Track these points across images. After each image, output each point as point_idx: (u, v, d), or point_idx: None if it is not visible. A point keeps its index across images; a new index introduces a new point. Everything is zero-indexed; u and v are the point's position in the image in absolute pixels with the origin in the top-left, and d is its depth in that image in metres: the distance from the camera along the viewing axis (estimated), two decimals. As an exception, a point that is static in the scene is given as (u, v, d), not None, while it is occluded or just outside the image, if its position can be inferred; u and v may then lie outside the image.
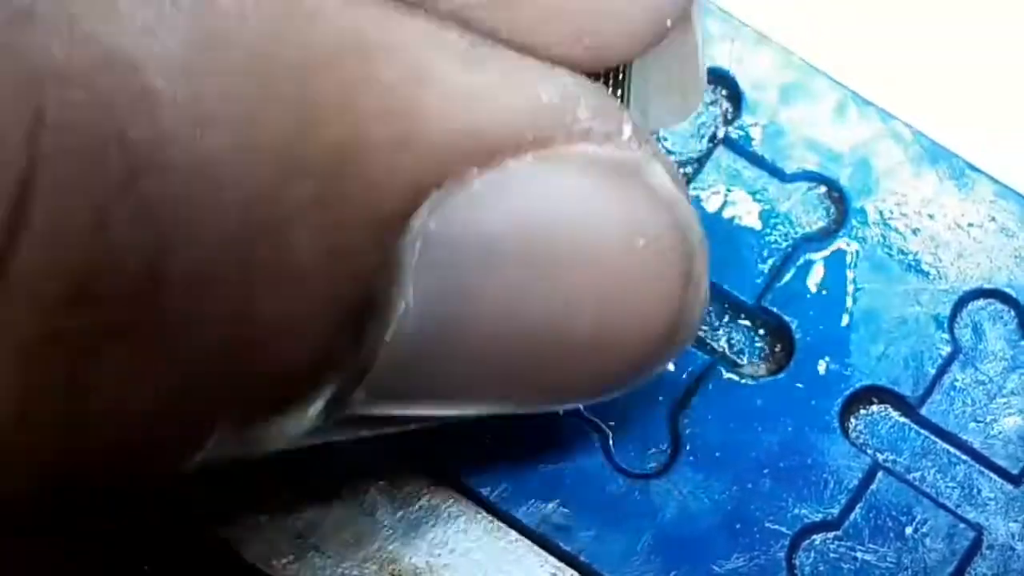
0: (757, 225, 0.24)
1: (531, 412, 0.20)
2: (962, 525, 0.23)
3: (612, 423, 0.23)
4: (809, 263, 0.24)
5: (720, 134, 0.24)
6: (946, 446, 0.23)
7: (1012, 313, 0.24)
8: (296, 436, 0.18)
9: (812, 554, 0.22)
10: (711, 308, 0.24)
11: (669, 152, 0.24)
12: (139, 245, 0.15)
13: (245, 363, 0.16)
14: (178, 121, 0.15)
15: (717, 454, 0.23)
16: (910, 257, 0.24)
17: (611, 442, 0.23)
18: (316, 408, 0.17)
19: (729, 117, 0.25)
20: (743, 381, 0.23)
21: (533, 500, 0.23)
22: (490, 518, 0.23)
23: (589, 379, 0.19)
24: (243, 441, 0.17)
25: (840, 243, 0.24)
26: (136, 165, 0.14)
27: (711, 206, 0.24)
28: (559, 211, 0.17)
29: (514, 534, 0.23)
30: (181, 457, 0.17)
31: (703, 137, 0.24)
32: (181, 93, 0.15)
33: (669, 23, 0.19)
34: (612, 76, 0.20)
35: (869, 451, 0.23)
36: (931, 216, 0.24)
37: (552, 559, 0.22)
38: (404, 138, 0.16)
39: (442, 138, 0.16)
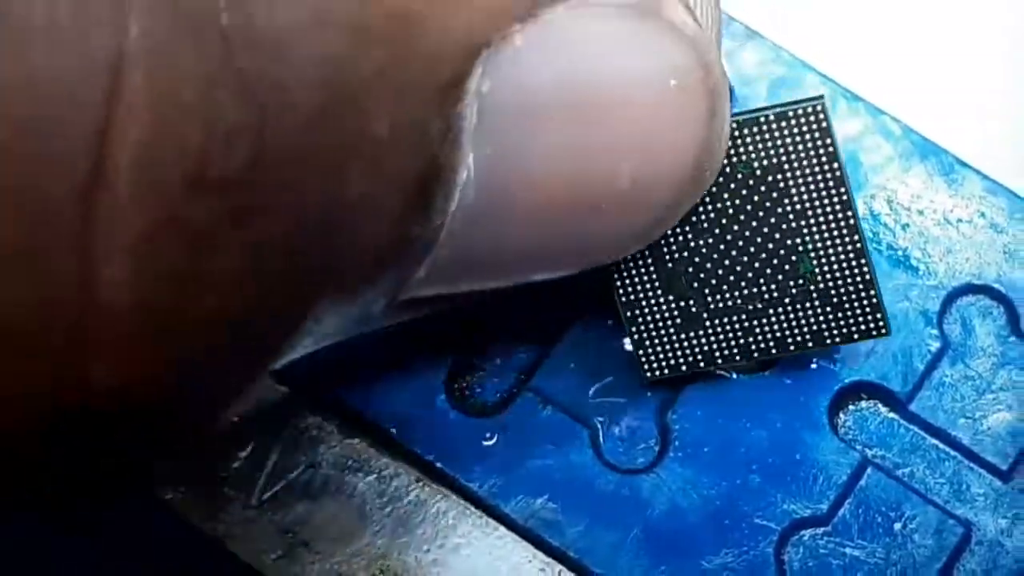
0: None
1: (575, 271, 0.20)
2: (951, 521, 0.23)
3: (601, 419, 0.23)
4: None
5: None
6: (935, 442, 0.23)
7: (1001, 309, 0.24)
8: (355, 323, 0.18)
9: (801, 550, 0.22)
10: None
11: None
12: (245, 123, 0.15)
13: (335, 244, 0.16)
14: None
15: (706, 450, 0.23)
16: (899, 252, 0.24)
17: (600, 438, 0.23)
18: (385, 289, 0.17)
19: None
20: (732, 377, 0.23)
21: (522, 495, 0.23)
22: (479, 514, 0.23)
23: (630, 226, 0.19)
24: (317, 331, 0.17)
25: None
26: (230, 41, 0.14)
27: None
28: (594, 57, 0.18)
29: (503, 529, 0.23)
30: (277, 351, 0.17)
31: (692, 132, 0.24)
32: None
33: None
34: None
35: (858, 447, 0.23)
36: (920, 212, 0.24)
37: (541, 554, 0.22)
38: None
39: None
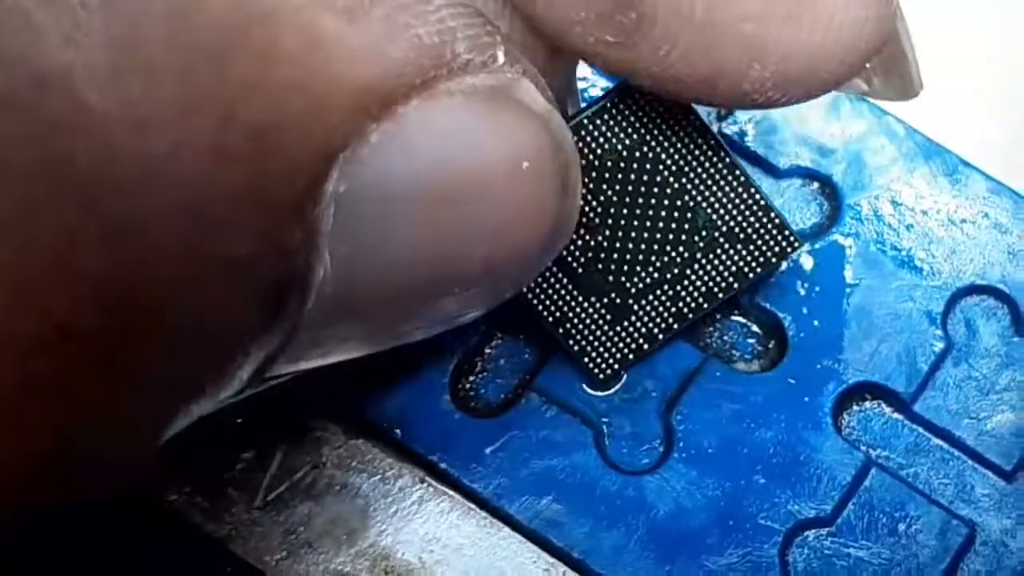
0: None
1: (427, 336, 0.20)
2: (955, 521, 0.23)
3: (605, 420, 0.23)
4: (802, 259, 0.24)
5: (713, 130, 0.24)
6: (939, 442, 0.23)
7: (1005, 309, 0.24)
8: (224, 402, 0.18)
9: (805, 550, 0.22)
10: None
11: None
12: (109, 270, 0.14)
13: (195, 357, 0.16)
14: (118, 131, 0.14)
15: (710, 450, 0.23)
16: (903, 253, 0.24)
17: (605, 439, 0.23)
18: (247, 375, 0.18)
19: (722, 113, 0.25)
20: (736, 377, 0.23)
21: (526, 496, 0.23)
22: (483, 514, 0.23)
23: (483, 297, 0.19)
24: (187, 416, 0.17)
25: (833, 239, 0.24)
26: (91, 185, 0.14)
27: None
28: (448, 148, 0.18)
29: (507, 530, 0.23)
30: (146, 455, 0.17)
31: (696, 133, 0.24)
32: (113, 102, 0.14)
33: (869, 65, 0.19)
34: None
35: (862, 447, 0.23)
36: (924, 212, 0.24)
37: (545, 555, 0.22)
38: (313, 107, 0.16)
39: (346, 100, 0.16)
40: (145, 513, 0.23)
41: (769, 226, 0.22)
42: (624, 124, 0.22)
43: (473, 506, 0.23)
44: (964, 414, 0.23)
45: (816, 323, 0.23)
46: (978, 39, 0.26)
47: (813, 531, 0.23)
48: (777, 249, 0.22)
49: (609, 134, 0.22)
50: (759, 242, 0.22)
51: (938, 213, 0.24)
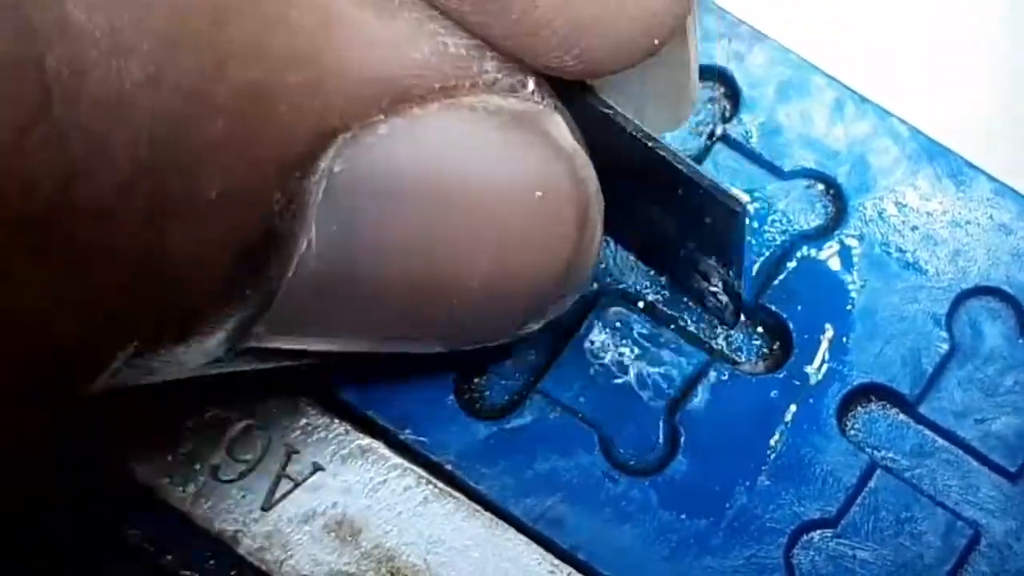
0: (755, 223, 0.24)
1: (426, 351, 0.20)
2: (960, 523, 0.23)
3: (610, 420, 0.23)
4: (807, 261, 0.24)
5: (718, 132, 0.24)
6: (944, 444, 0.23)
7: (1010, 311, 0.24)
8: (196, 365, 0.18)
9: (810, 552, 0.22)
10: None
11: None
12: (51, 170, 0.15)
13: (153, 295, 0.16)
14: (95, 51, 0.15)
15: (715, 452, 0.23)
16: (908, 255, 0.24)
17: (609, 439, 0.23)
18: (218, 339, 0.18)
19: (727, 115, 0.25)
20: (741, 379, 0.23)
21: (531, 497, 0.23)
22: (488, 515, 0.23)
23: (481, 321, 0.19)
24: (144, 366, 0.17)
25: (837, 241, 0.24)
26: (52, 90, 0.15)
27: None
28: (462, 158, 0.18)
29: (512, 531, 0.23)
30: (85, 378, 0.17)
31: (701, 135, 0.24)
32: (99, 24, 0.15)
33: (657, 42, 0.19)
34: None
35: (867, 449, 0.23)
36: (929, 214, 0.24)
37: (550, 556, 0.22)
38: (316, 83, 0.16)
39: (352, 84, 0.17)
40: (148, 513, 0.23)
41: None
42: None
43: (478, 507, 0.23)
44: (969, 416, 0.23)
45: (821, 324, 0.23)
46: (982, 40, 0.26)
47: (818, 532, 0.22)
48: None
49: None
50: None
51: (943, 215, 0.24)
